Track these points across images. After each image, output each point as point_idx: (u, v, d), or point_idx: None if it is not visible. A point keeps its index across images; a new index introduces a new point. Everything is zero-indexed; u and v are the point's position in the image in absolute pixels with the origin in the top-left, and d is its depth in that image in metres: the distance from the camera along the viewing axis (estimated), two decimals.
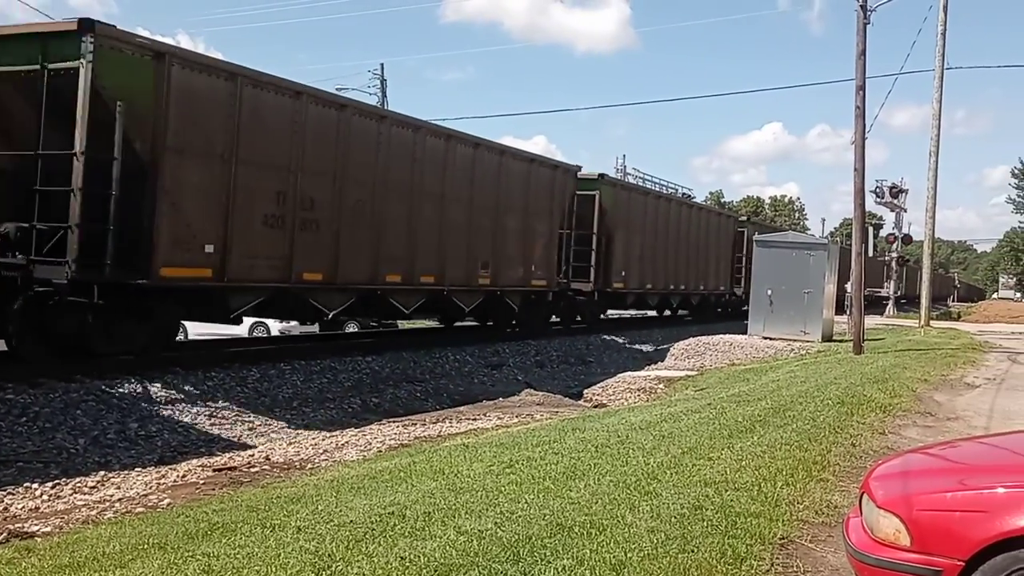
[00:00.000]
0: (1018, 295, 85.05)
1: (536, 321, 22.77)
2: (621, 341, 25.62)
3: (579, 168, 23.54)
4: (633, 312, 33.46)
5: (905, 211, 43.82)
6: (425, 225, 17.15)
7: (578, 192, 23.19)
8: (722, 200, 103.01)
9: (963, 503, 3.93)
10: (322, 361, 14.89)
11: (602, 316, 28.46)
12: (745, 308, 35.00)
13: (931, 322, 32.66)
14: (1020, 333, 31.08)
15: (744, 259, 34.77)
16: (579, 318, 25.84)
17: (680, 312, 33.79)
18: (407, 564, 4.85)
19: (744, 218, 40.21)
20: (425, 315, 22.39)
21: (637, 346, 25.55)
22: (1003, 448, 4.96)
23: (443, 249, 17.65)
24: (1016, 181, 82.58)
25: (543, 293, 22.00)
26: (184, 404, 11.66)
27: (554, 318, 25.18)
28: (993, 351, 21.74)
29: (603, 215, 24.36)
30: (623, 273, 25.92)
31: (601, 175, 25.58)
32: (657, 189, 33.06)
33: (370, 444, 10.48)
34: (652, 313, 33.48)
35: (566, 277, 22.80)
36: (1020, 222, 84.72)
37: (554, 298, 22.74)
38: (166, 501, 7.63)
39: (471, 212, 18.57)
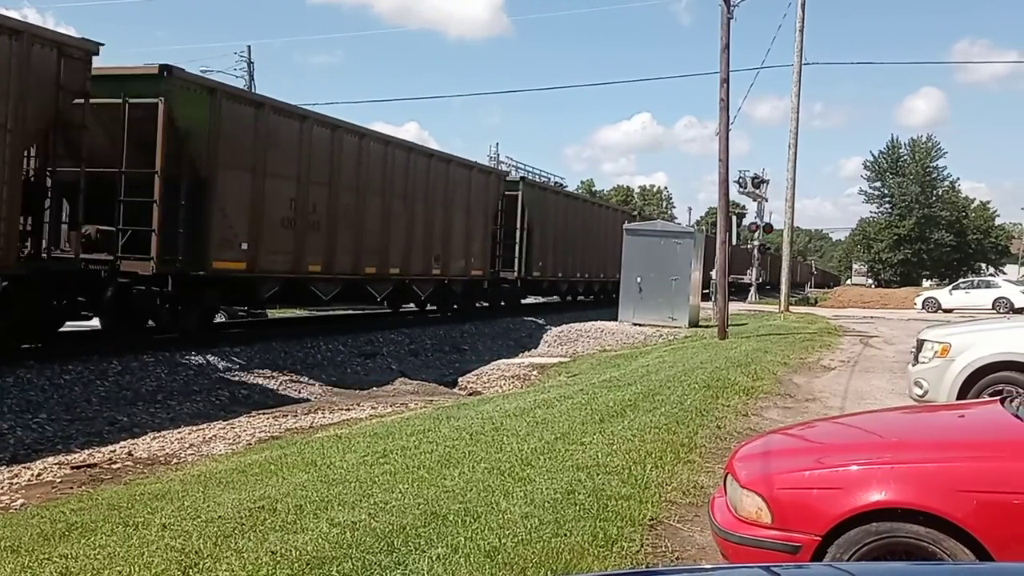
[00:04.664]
0: (870, 282, 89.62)
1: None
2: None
3: (95, 47, 11.91)
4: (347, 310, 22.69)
5: (766, 201, 45.43)
6: None
7: (129, 100, 13.12)
8: (593, 189, 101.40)
9: (820, 481, 4.11)
10: (188, 353, 14.39)
11: (226, 318, 17.59)
12: (525, 301, 30.56)
13: (790, 308, 34.15)
14: (871, 317, 32.88)
15: (518, 231, 27.09)
16: (153, 323, 15.43)
17: (429, 307, 24.03)
18: (278, 558, 4.76)
19: (516, 178, 29.07)
20: None
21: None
22: (856, 427, 5.23)
23: None
24: (867, 173, 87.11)
25: None
26: (39, 399, 11.06)
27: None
28: (847, 335, 22.89)
29: (180, 143, 13.54)
30: (249, 245, 15.15)
31: (166, 68, 13.26)
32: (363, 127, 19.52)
33: (239, 437, 10.24)
34: (383, 308, 22.78)
35: (94, 249, 13.11)
36: (871, 212, 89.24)
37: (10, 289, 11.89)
38: (19, 502, 7.27)
39: None
